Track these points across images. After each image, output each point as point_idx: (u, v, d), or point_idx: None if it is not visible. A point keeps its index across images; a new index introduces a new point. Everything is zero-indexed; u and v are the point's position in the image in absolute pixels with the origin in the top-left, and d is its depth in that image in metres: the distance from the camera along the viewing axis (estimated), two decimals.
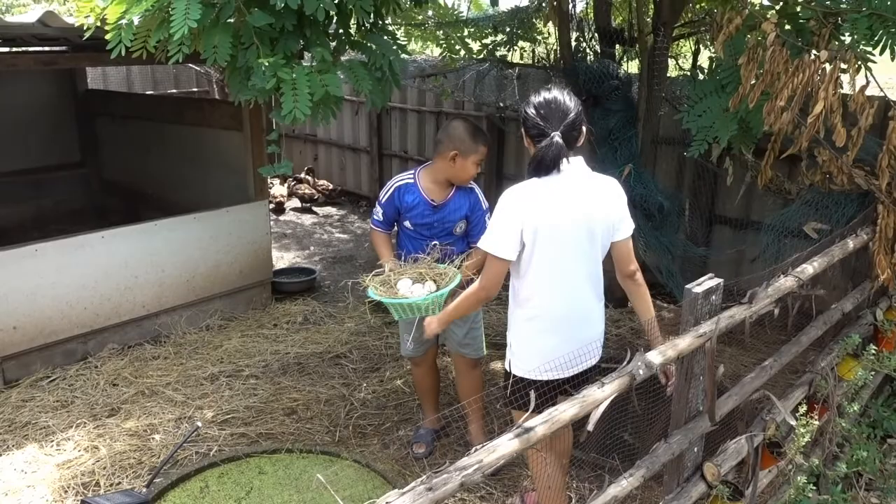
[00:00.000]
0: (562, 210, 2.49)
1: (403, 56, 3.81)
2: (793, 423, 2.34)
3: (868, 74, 3.28)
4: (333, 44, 3.66)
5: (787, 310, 2.58)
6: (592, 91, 4.68)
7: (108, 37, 3.26)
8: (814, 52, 3.06)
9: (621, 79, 4.73)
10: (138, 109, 6.94)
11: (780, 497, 2.81)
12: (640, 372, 1.65)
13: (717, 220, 5.55)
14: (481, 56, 5.69)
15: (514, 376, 2.66)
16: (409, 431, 3.90)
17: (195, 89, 9.36)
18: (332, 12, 3.38)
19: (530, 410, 1.48)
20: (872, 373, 3.16)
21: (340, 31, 3.66)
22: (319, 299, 5.85)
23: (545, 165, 2.50)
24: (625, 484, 1.75)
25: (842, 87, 3.07)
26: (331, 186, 8.94)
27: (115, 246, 4.71)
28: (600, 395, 1.55)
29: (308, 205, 8.76)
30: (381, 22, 3.78)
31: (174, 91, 9.26)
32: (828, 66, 2.81)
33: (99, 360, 4.65)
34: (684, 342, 1.81)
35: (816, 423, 2.33)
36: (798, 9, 3.63)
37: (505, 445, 1.36)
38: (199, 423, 1.96)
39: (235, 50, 3.29)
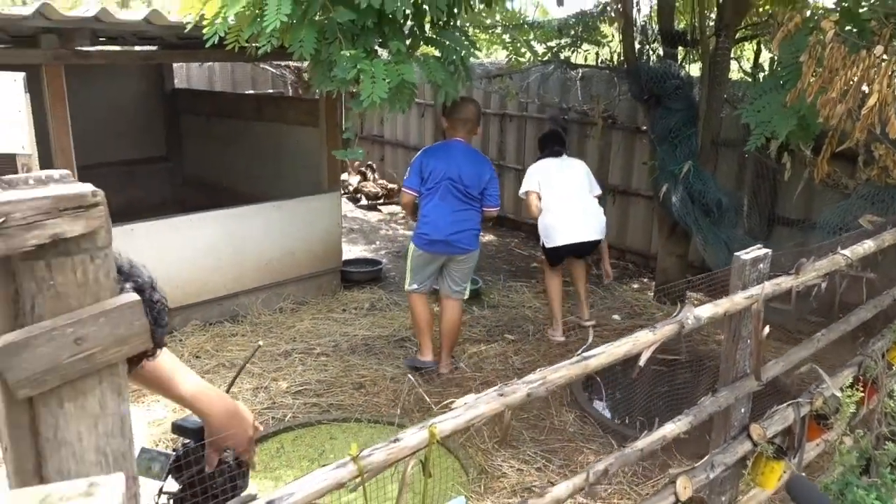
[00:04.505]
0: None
1: (474, 51, 4.06)
2: (838, 394, 2.46)
3: None
4: (409, 40, 3.94)
5: (833, 294, 2.71)
6: (654, 90, 4.83)
7: (204, 31, 3.62)
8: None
9: (682, 79, 4.86)
10: (221, 107, 7.39)
11: (829, 475, 2.91)
12: (689, 321, 1.82)
13: (778, 220, 5.59)
14: (546, 58, 5.89)
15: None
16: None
17: (271, 91, 9.82)
18: (408, 11, 3.65)
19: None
20: None
21: (415, 28, 3.93)
22: (385, 288, 6.12)
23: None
24: (672, 427, 1.92)
25: None
26: (389, 185, 9.24)
27: (202, 230, 5.09)
28: (651, 337, 1.74)
29: (373, 202, 9.10)
30: (453, 20, 4.03)
31: (251, 92, 9.74)
32: (883, 61, 2.92)
33: (183, 334, 5.02)
34: (732, 301, 1.97)
35: (861, 393, 2.45)
36: (860, 10, 3.74)
37: (567, 369, 1.56)
38: (261, 342, 2.20)
39: (320, 44, 3.59)
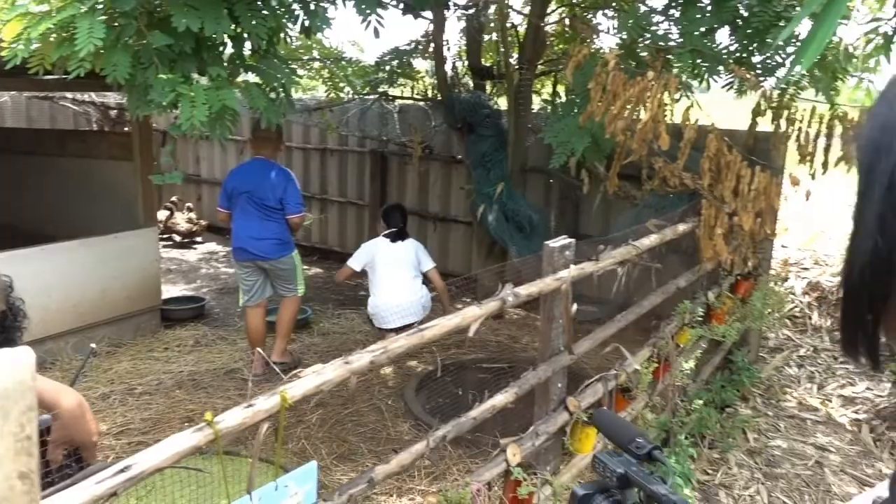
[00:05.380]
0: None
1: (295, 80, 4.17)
2: (639, 368, 2.81)
3: (693, 100, 4.03)
4: (228, 67, 3.96)
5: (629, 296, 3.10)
6: (467, 119, 5.20)
7: (3, 53, 3.41)
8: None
9: (492, 108, 5.28)
10: (15, 144, 6.84)
11: None
12: (510, 298, 2.04)
13: (581, 237, 6.15)
14: (365, 91, 6.12)
15: None
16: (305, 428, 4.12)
17: (72, 129, 9.22)
18: (228, 36, 3.70)
19: None
20: (704, 344, 3.74)
21: (235, 55, 3.96)
22: (210, 325, 5.94)
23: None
24: (501, 398, 2.12)
25: (668, 108, 3.73)
26: (201, 221, 8.94)
27: None
28: (478, 311, 1.93)
29: (186, 240, 8.79)
30: (273, 49, 4.11)
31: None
32: (653, 85, 3.41)
33: None
34: (545, 282, 2.22)
35: (657, 365, 2.81)
36: (637, 49, 4.34)
37: (405, 339, 1.70)
38: (94, 346, 2.12)
39: (135, 69, 3.52)
